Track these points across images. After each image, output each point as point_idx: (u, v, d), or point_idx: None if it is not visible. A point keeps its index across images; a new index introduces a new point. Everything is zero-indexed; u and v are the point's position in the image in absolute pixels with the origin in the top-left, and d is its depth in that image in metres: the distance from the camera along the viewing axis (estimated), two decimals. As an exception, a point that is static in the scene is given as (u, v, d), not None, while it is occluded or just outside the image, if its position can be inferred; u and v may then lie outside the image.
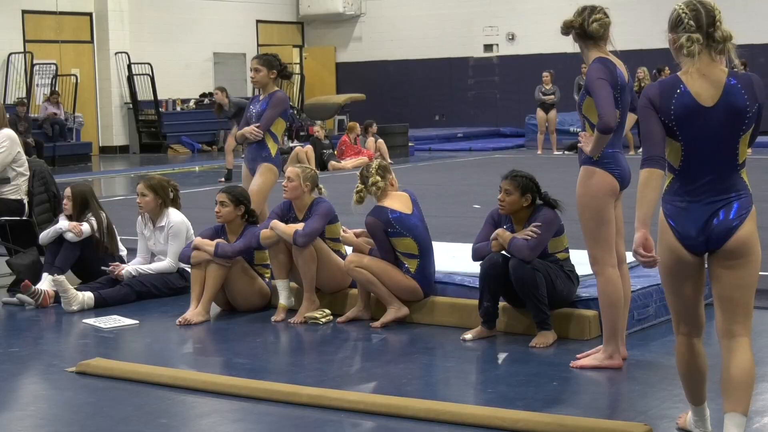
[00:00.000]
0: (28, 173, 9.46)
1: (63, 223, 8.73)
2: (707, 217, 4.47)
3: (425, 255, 7.51)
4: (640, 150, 5.76)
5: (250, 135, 8.91)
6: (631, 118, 6.13)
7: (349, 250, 7.79)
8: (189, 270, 8.10)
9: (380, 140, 23.10)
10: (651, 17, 26.85)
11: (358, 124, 23.34)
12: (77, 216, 8.78)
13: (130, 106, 28.82)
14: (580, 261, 6.77)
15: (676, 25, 4.52)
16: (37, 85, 27.14)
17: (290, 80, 10.04)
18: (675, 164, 4.51)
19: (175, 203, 8.74)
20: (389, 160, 21.07)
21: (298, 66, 33.36)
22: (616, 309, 5.95)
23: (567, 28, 6.03)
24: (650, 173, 4.44)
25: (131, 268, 8.59)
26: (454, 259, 8.13)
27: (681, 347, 4.78)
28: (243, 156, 9.34)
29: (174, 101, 29.64)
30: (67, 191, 8.90)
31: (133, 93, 28.55)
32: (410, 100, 31.89)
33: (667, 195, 4.55)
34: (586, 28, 5.97)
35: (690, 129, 4.44)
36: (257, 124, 8.91)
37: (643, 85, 21.99)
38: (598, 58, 5.90)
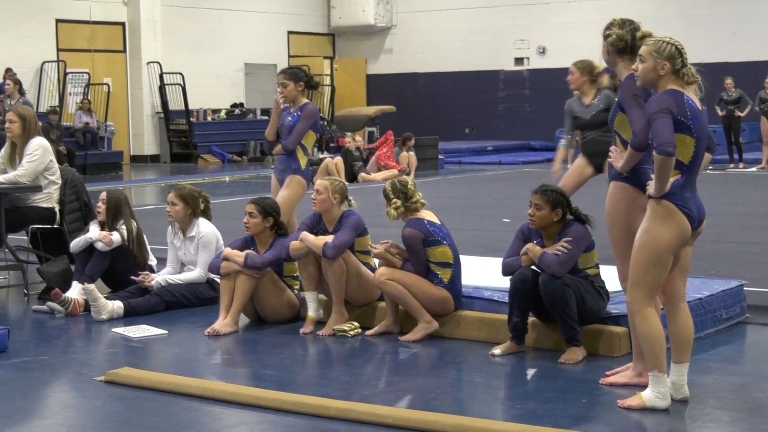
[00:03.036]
0: (59, 182, 9.50)
1: (94, 233, 8.75)
2: (698, 203, 5.64)
3: (458, 264, 7.51)
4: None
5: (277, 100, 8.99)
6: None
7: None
8: (218, 280, 8.11)
9: (411, 153, 23.10)
10: (683, 31, 26.72)
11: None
12: (110, 222, 8.81)
13: (162, 115, 28.96)
14: (611, 277, 6.73)
15: (673, 57, 5.57)
16: (70, 94, 27.31)
17: (317, 90, 10.04)
18: (686, 160, 5.50)
19: (206, 214, 8.75)
20: (413, 175, 21.07)
21: (328, 77, 33.43)
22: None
23: (620, 41, 6.00)
24: (673, 161, 5.41)
25: (161, 278, 8.61)
26: (483, 273, 8.10)
27: (653, 316, 5.66)
28: (273, 167, 9.36)
29: (205, 111, 29.76)
30: (103, 195, 8.94)
31: (164, 102, 28.68)
32: (440, 112, 31.89)
33: (676, 190, 5.50)
34: (630, 43, 5.95)
35: (699, 126, 5.51)
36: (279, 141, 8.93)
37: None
38: (632, 74, 5.86)
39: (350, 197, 8.00)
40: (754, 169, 23.23)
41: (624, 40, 5.99)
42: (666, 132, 5.38)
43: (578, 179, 10.36)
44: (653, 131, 5.44)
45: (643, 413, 5.60)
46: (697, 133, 5.51)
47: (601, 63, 6.26)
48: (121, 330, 7.85)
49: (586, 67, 10.15)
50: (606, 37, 6.07)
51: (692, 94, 5.60)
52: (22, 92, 19.46)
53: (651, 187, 5.54)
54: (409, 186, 7.58)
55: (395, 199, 7.51)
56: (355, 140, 22.81)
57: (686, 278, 5.90)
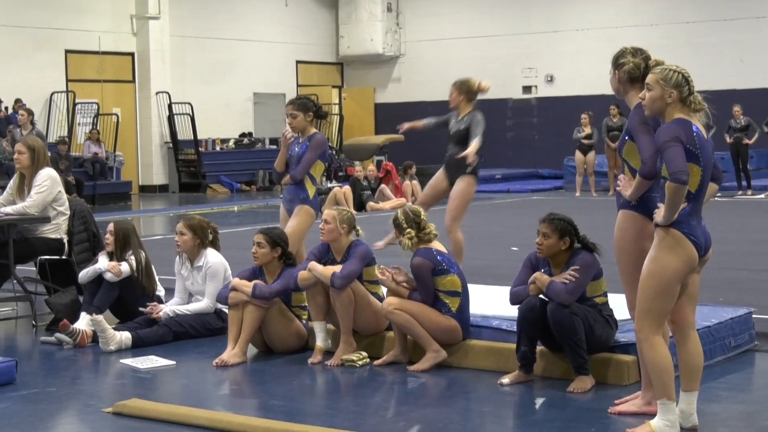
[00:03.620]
0: (68, 212, 9.52)
1: (102, 263, 8.76)
2: (705, 231, 5.66)
3: (466, 293, 7.50)
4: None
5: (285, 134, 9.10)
6: None
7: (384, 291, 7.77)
8: (226, 311, 8.10)
9: (414, 182, 23.10)
10: (691, 59, 26.76)
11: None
12: (118, 252, 8.82)
13: (170, 145, 29.03)
14: (619, 305, 6.72)
15: (680, 85, 5.60)
16: (79, 124, 27.40)
17: (326, 119, 10.17)
18: (693, 188, 5.52)
19: (215, 245, 8.76)
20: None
21: (337, 106, 33.51)
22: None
23: (637, 69, 5.98)
24: (686, 189, 5.44)
25: (169, 308, 8.60)
26: (491, 302, 8.09)
27: (660, 344, 5.63)
28: (281, 196, 9.37)
29: (213, 141, 29.82)
30: (110, 227, 8.95)
31: (173, 132, 28.76)
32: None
33: (683, 218, 5.52)
34: (642, 71, 5.94)
35: (705, 154, 5.54)
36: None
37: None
38: (641, 102, 5.86)
39: (358, 227, 8.00)
40: (762, 196, 23.21)
41: (639, 68, 6.00)
42: (679, 160, 5.40)
43: (434, 191, 11.25)
44: (666, 160, 5.45)
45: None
46: (704, 161, 5.53)
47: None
48: (129, 361, 7.85)
49: (464, 87, 11.34)
50: (620, 65, 6.05)
51: (698, 123, 5.62)
52: (33, 123, 19.55)
53: (659, 215, 5.54)
54: (422, 216, 7.59)
55: (409, 230, 7.50)
56: (366, 169, 22.84)
57: (695, 306, 5.90)
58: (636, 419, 5.91)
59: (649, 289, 5.58)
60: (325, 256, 7.89)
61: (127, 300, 8.78)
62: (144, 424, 6.17)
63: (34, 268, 9.79)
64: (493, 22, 31.57)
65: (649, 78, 5.68)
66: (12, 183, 9.59)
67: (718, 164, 5.94)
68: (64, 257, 9.54)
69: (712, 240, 5.74)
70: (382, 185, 22.78)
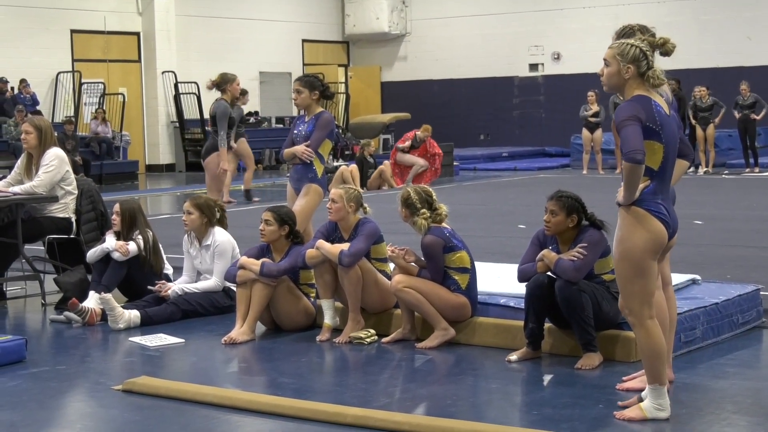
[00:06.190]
0: (76, 192, 9.54)
1: (110, 242, 8.78)
2: (671, 210, 5.49)
3: (474, 270, 7.51)
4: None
5: (302, 155, 8.94)
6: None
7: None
8: (234, 289, 8.13)
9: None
10: (698, 36, 26.72)
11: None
12: (125, 232, 8.84)
13: (177, 124, 29.03)
14: (627, 282, 6.72)
15: (637, 59, 5.44)
16: (85, 104, 27.43)
17: (332, 100, 10.08)
18: (655, 166, 5.38)
19: (222, 223, 8.78)
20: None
21: (343, 85, 33.47)
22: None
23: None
24: (642, 168, 5.31)
25: (177, 287, 8.63)
26: (499, 279, 8.10)
27: (655, 329, 5.52)
28: (288, 175, 9.36)
29: (220, 120, 29.74)
30: (116, 207, 8.97)
31: (179, 112, 28.76)
32: (455, 119, 31.89)
33: (646, 196, 5.39)
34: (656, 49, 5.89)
35: (667, 131, 5.40)
36: (308, 143, 8.94)
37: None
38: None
39: (365, 205, 8.01)
40: (769, 173, 23.20)
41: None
42: (634, 139, 5.29)
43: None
44: (622, 139, 5.37)
45: (653, 422, 5.55)
46: (666, 138, 5.43)
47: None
48: (138, 339, 7.87)
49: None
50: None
51: (659, 99, 5.51)
52: None
53: (619, 194, 5.50)
54: (433, 196, 7.59)
55: (424, 210, 7.50)
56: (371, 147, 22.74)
57: (669, 288, 5.86)
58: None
59: (624, 272, 5.50)
60: (332, 234, 7.91)
61: (136, 279, 8.80)
62: (153, 401, 6.19)
63: (43, 248, 9.81)
64: (499, -1, 31.53)
65: (607, 53, 5.56)
66: (20, 163, 9.62)
67: (686, 140, 5.85)
68: (72, 236, 9.56)
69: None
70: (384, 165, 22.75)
